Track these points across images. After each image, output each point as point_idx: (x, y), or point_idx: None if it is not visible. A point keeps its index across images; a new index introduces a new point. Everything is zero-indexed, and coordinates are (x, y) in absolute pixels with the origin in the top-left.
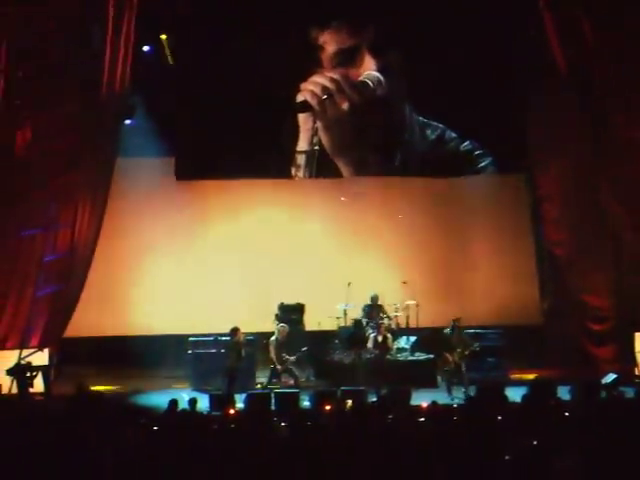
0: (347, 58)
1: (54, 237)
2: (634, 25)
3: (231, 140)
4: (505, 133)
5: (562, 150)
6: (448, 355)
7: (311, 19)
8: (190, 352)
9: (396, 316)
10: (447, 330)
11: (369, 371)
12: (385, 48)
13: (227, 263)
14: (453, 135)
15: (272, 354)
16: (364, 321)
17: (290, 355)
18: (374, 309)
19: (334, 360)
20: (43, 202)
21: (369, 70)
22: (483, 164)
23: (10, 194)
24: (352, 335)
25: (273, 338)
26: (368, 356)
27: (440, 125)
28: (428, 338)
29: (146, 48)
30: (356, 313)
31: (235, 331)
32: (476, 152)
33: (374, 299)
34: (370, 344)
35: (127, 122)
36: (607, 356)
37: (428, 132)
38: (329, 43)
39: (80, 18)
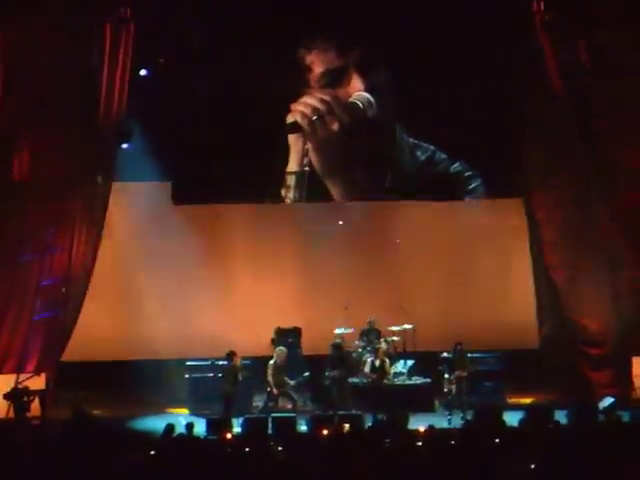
0: (335, 78)
1: (51, 261)
2: (629, 46)
3: (223, 164)
4: (498, 156)
5: (559, 173)
6: (448, 378)
7: (298, 40)
8: (187, 376)
9: (393, 340)
10: (445, 354)
11: (366, 395)
12: (373, 68)
13: (224, 287)
14: (443, 156)
15: (270, 377)
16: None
17: (289, 379)
18: (371, 333)
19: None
20: (40, 226)
21: (357, 90)
22: (473, 186)
23: (7, 218)
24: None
25: (272, 362)
26: (357, 380)
27: (430, 146)
28: (425, 362)
29: (143, 72)
30: (353, 337)
31: (232, 355)
32: (466, 174)
33: (371, 323)
34: (367, 368)
35: (124, 146)
36: (604, 380)
37: (418, 153)
38: (316, 63)
39: (77, 42)
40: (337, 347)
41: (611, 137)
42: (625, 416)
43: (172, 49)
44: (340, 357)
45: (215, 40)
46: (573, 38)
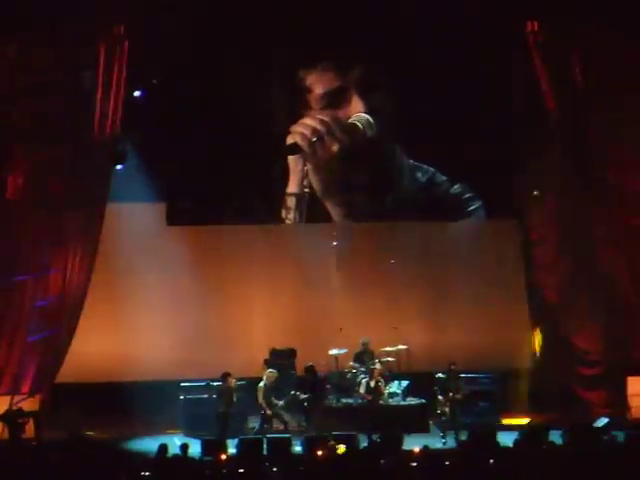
0: (335, 99)
1: (45, 282)
2: (623, 69)
3: (221, 185)
4: (494, 177)
5: (554, 194)
6: (441, 399)
7: (298, 61)
8: (182, 397)
9: (387, 361)
10: (440, 374)
11: (361, 416)
12: (373, 89)
13: (218, 307)
14: (443, 178)
15: (260, 399)
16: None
17: (279, 400)
18: (365, 354)
19: (325, 405)
20: (34, 246)
21: (357, 111)
22: (473, 207)
23: (2, 239)
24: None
25: (261, 384)
26: (351, 401)
27: (430, 168)
28: (420, 382)
29: (137, 93)
30: (348, 358)
31: (226, 376)
32: (466, 195)
33: (365, 344)
34: (362, 389)
35: (118, 167)
36: (599, 400)
37: (419, 175)
38: (316, 85)
39: (73, 61)
40: (309, 370)
41: (606, 157)
42: (620, 436)
43: (167, 69)
44: (312, 380)
45: (212, 61)
46: (567, 58)
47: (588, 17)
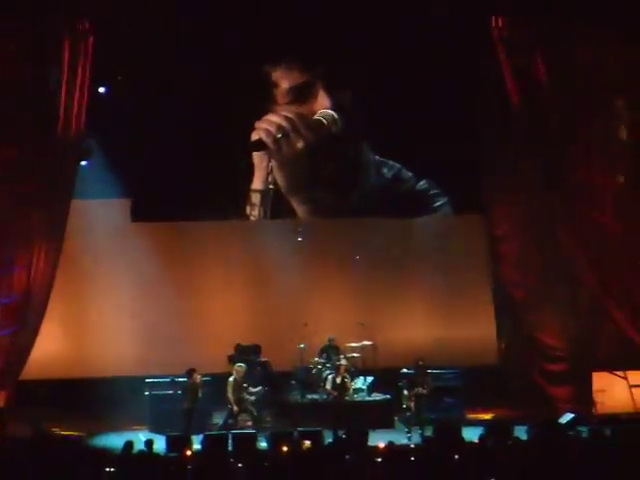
0: (301, 95)
1: (10, 279)
2: (585, 64)
3: (186, 181)
4: (461, 173)
5: (519, 190)
6: (407, 394)
7: (263, 56)
8: (147, 394)
9: (353, 357)
10: (405, 370)
11: (327, 411)
12: (339, 84)
13: (183, 304)
14: (409, 174)
15: (230, 394)
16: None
17: (248, 395)
18: (331, 350)
19: (291, 401)
20: None
21: (324, 107)
22: (438, 204)
23: None
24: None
25: (231, 378)
26: (317, 397)
27: (397, 164)
28: (386, 379)
29: (102, 90)
30: (313, 354)
31: (191, 372)
32: (432, 191)
33: (331, 340)
34: (329, 385)
35: (83, 163)
36: (564, 396)
37: (385, 170)
38: (282, 80)
39: (36, 57)
40: (262, 365)
41: (571, 155)
42: (585, 432)
43: (132, 65)
44: (264, 375)
45: (178, 57)
46: (531, 54)
47: (553, 13)
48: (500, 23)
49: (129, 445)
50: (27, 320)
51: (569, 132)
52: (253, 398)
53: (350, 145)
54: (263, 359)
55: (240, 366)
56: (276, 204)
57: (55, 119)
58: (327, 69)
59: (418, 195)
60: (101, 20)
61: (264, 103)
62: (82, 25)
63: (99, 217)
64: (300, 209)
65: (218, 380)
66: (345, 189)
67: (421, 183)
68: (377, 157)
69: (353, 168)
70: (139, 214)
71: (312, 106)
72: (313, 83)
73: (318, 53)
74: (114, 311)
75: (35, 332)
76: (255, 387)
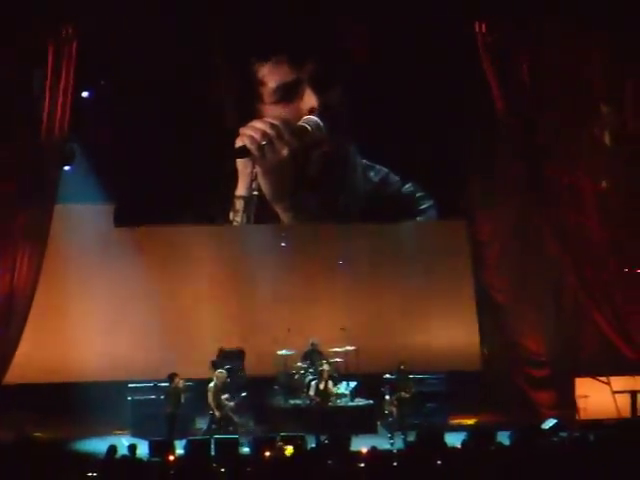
0: (288, 93)
1: None
2: (569, 69)
3: (170, 186)
4: (445, 178)
5: (503, 195)
6: (389, 399)
7: (250, 53)
8: (129, 398)
9: (336, 362)
10: (388, 375)
11: (309, 417)
12: (327, 85)
13: (166, 309)
14: (396, 178)
15: (210, 400)
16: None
17: (229, 401)
18: (313, 355)
19: (273, 406)
20: None
21: (310, 105)
22: (424, 206)
23: None
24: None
25: (212, 384)
26: (299, 402)
27: (384, 168)
28: (368, 384)
29: (85, 94)
30: (296, 359)
31: (173, 377)
32: (418, 194)
33: (314, 345)
34: (312, 391)
35: (66, 168)
36: (547, 401)
37: (372, 174)
38: (269, 77)
39: (19, 61)
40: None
41: (555, 157)
42: (567, 437)
43: (116, 69)
44: (236, 383)
45: (162, 60)
46: (515, 58)
47: (536, 17)
48: (484, 29)
49: (113, 450)
50: (10, 324)
51: (554, 137)
52: (232, 404)
53: (336, 147)
54: (228, 366)
55: (221, 372)
56: (260, 210)
57: (39, 123)
58: (315, 68)
59: (404, 198)
60: (85, 25)
61: (251, 101)
62: (66, 30)
63: (82, 222)
64: (284, 216)
65: (202, 385)
66: (331, 193)
67: (407, 186)
68: (364, 161)
69: (339, 171)
70: (122, 219)
71: (299, 105)
72: (300, 81)
73: (306, 50)
74: (97, 316)
75: (18, 336)
76: (237, 393)
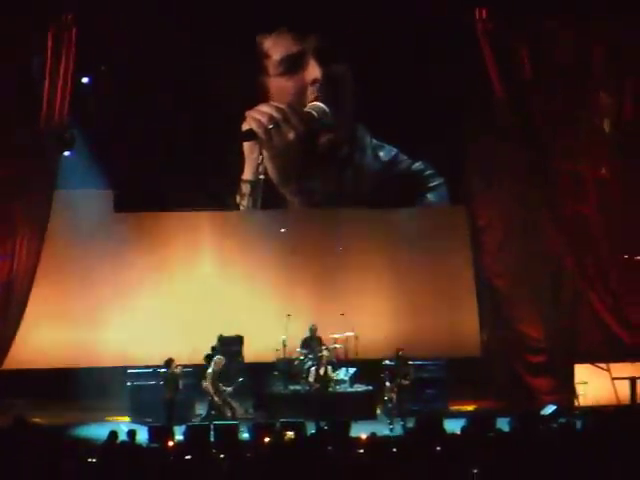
0: (293, 65)
1: None
2: (570, 56)
3: (173, 170)
4: (444, 163)
5: (502, 181)
6: (389, 385)
7: (255, 25)
8: (129, 384)
9: (335, 348)
10: (387, 361)
11: (309, 403)
12: (331, 57)
13: (166, 294)
14: (406, 157)
15: (209, 386)
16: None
17: (227, 386)
18: (313, 341)
19: (273, 392)
20: None
21: (314, 77)
22: (434, 184)
23: None
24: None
25: (210, 370)
26: (299, 388)
27: (394, 148)
28: (368, 370)
29: (85, 80)
30: (295, 344)
31: (170, 362)
32: (427, 172)
33: (313, 330)
34: (312, 377)
35: (66, 154)
36: (546, 387)
37: (382, 154)
38: (273, 50)
39: (20, 47)
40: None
41: (554, 144)
42: (566, 423)
43: (115, 55)
44: (234, 369)
45: (163, 45)
46: (515, 46)
47: (536, 4)
48: (484, 15)
49: (113, 435)
50: (9, 310)
51: (553, 123)
52: (230, 389)
53: (343, 130)
54: (218, 357)
55: (219, 358)
56: (267, 195)
57: (39, 109)
58: (319, 39)
59: (414, 176)
60: (85, 10)
61: (256, 74)
62: (66, 16)
63: (82, 207)
64: (292, 199)
65: (201, 371)
66: (340, 174)
67: (417, 164)
68: (374, 140)
69: (347, 152)
70: (122, 205)
71: (303, 76)
72: (305, 53)
73: (311, 22)
74: (96, 301)
75: (18, 322)
76: (235, 378)
